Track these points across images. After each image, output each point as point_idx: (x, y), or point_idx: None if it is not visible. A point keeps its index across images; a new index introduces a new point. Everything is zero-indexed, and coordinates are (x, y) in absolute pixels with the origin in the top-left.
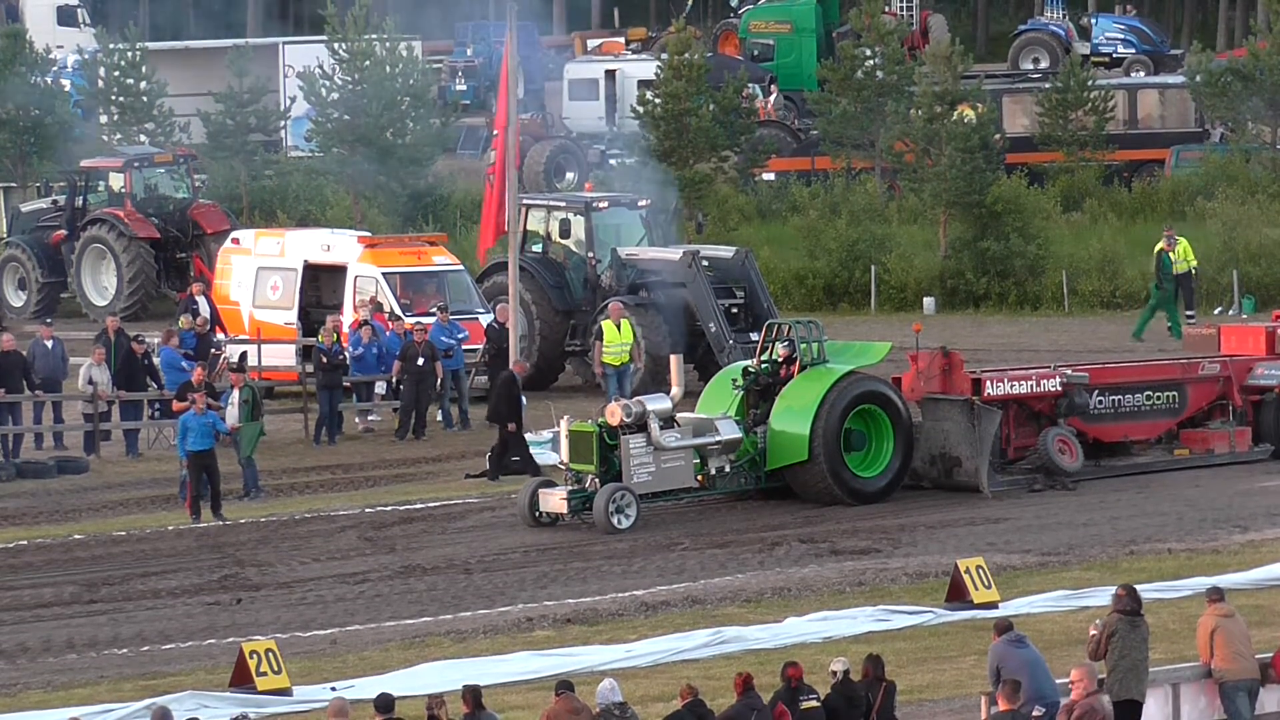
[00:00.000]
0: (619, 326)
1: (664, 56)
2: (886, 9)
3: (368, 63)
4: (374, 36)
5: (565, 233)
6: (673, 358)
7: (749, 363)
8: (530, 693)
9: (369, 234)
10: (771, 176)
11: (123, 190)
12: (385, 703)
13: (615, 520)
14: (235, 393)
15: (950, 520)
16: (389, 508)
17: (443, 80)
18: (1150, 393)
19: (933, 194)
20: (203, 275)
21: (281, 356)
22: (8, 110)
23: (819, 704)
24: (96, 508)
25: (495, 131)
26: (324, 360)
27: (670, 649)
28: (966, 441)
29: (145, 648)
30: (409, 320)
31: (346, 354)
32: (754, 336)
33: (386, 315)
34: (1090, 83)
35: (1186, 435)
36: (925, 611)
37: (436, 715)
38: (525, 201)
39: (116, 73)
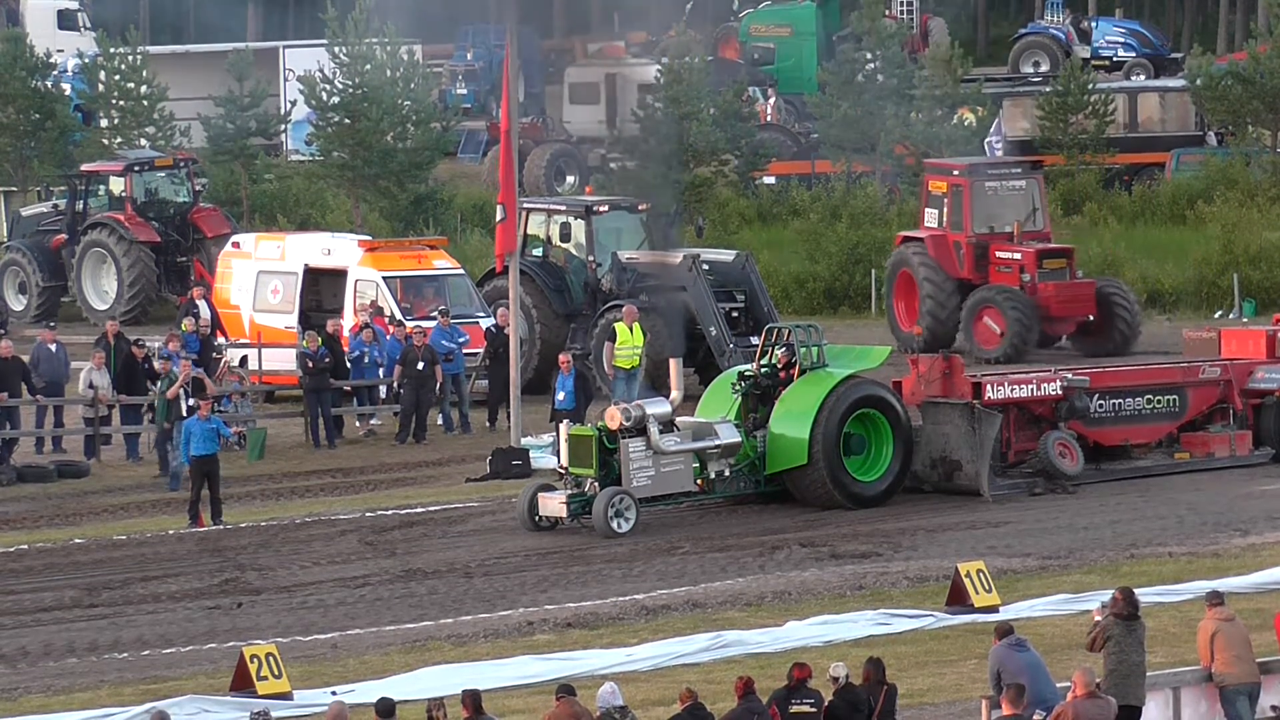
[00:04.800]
0: (631, 329)
1: (664, 60)
2: (887, 12)
3: (368, 67)
4: (374, 40)
5: (565, 236)
6: (672, 361)
7: (748, 367)
8: (531, 697)
9: (369, 238)
10: (772, 180)
11: (123, 194)
12: (386, 707)
13: (615, 524)
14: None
15: (951, 524)
16: (389, 511)
17: (443, 84)
18: (1151, 396)
19: None
20: (203, 279)
21: (282, 360)
22: (8, 114)
23: (813, 709)
24: (97, 511)
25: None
26: (309, 364)
27: (671, 653)
28: (967, 445)
29: (146, 652)
30: (409, 324)
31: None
32: (754, 340)
33: (387, 319)
34: (1090, 86)
35: (1187, 439)
36: (926, 615)
37: (436, 718)
38: (526, 205)
39: (117, 76)
